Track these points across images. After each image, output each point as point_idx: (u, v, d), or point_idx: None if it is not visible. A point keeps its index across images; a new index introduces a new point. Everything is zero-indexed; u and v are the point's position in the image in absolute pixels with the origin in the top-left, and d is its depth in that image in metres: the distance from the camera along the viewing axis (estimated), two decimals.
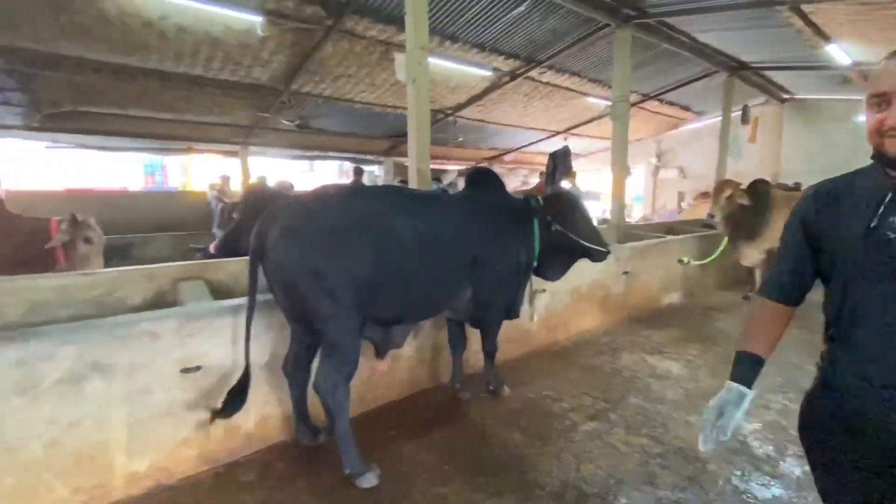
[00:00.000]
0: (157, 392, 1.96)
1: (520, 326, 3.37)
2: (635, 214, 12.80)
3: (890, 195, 0.91)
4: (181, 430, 2.04)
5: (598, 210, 11.04)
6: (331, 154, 11.27)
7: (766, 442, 2.40)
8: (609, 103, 5.78)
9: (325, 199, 2.09)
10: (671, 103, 9.58)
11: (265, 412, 2.29)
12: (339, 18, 4.89)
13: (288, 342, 2.24)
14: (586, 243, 2.68)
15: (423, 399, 2.85)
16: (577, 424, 2.57)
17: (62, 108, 6.57)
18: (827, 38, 5.23)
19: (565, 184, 2.91)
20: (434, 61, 5.50)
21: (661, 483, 2.08)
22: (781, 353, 3.19)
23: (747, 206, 4.49)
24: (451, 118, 8.71)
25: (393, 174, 11.19)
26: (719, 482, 2.09)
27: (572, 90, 7.91)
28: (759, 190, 4.62)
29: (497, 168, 12.58)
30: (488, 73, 6.80)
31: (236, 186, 8.95)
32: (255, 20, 4.63)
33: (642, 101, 9.00)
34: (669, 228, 6.48)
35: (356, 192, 2.42)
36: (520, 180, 14.20)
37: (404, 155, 9.60)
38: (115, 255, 5.12)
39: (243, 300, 2.14)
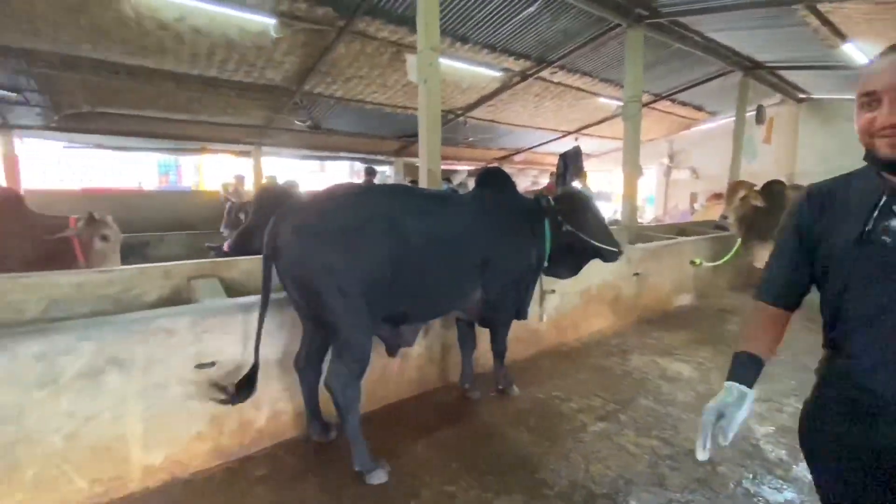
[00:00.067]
0: (173, 387, 2.00)
1: (529, 327, 3.37)
2: (647, 215, 12.68)
3: (884, 198, 0.88)
4: (195, 424, 2.08)
5: (609, 211, 10.96)
6: (342, 154, 11.36)
7: (778, 445, 2.37)
8: (621, 103, 5.75)
9: (338, 197, 2.12)
10: (684, 103, 9.47)
11: (277, 408, 2.33)
12: (351, 20, 4.92)
13: (300, 339, 2.27)
14: (598, 243, 2.67)
15: (432, 398, 2.87)
16: (586, 425, 2.57)
17: (80, 109, 6.72)
18: (843, 38, 5.14)
19: (576, 184, 2.91)
20: (445, 62, 5.52)
21: (670, 485, 2.07)
22: (794, 356, 3.14)
23: (761, 208, 4.43)
24: (461, 118, 8.72)
25: (403, 174, 11.24)
26: (730, 485, 2.07)
27: (583, 90, 7.86)
28: (773, 191, 4.56)
29: (507, 168, 12.55)
30: (499, 74, 6.80)
31: (249, 186, 9.05)
32: (269, 22, 4.69)
33: (654, 102, 8.92)
34: (681, 230, 6.42)
35: (368, 190, 2.44)
36: (530, 180, 14.16)
37: (414, 155, 9.63)
38: (131, 253, 5.23)
39: (257, 298, 2.17)
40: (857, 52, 5.45)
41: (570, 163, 2.81)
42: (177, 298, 2.77)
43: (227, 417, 2.14)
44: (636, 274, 4.35)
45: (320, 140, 9.69)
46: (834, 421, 0.97)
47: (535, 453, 2.30)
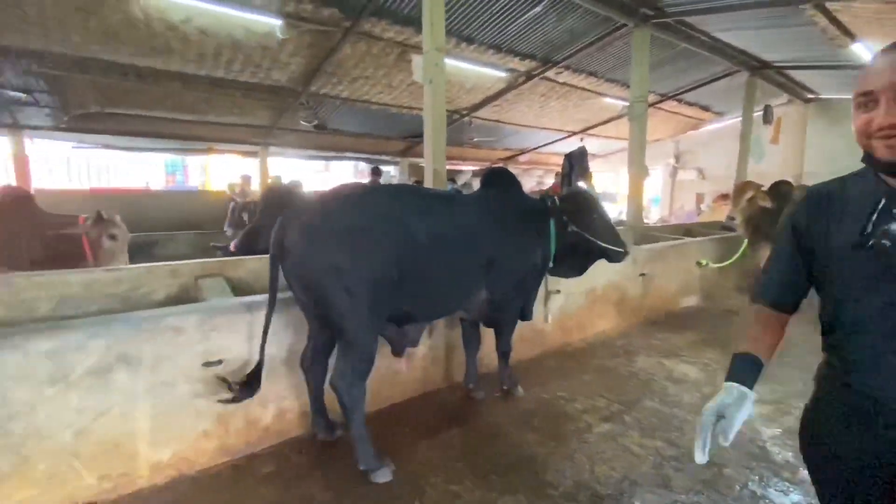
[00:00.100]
0: (181, 384, 2.02)
1: (534, 327, 3.37)
2: (652, 216, 12.63)
3: (883, 201, 0.86)
4: (202, 422, 2.10)
5: (614, 211, 10.93)
6: (347, 154, 11.39)
7: (785, 448, 2.35)
8: (626, 103, 5.72)
9: (345, 198, 2.12)
10: (690, 103, 9.43)
11: (283, 406, 2.34)
12: (357, 20, 4.94)
13: (305, 338, 2.28)
14: (603, 244, 2.67)
15: (436, 398, 2.88)
16: (591, 426, 2.56)
17: (89, 110, 6.79)
18: (852, 37, 5.09)
19: (581, 185, 2.90)
20: (450, 62, 5.52)
21: (676, 486, 2.06)
22: (802, 357, 3.11)
23: (769, 209, 4.40)
24: (466, 119, 8.73)
25: (408, 175, 11.27)
26: (736, 487, 2.06)
27: (589, 90, 7.85)
28: (781, 191, 4.53)
29: (512, 168, 12.54)
30: (504, 74, 6.80)
31: (256, 186, 9.10)
32: (275, 23, 4.71)
33: (660, 102, 8.88)
34: (688, 230, 6.39)
35: (375, 191, 2.45)
36: (535, 181, 14.13)
37: (419, 156, 9.63)
38: (138, 252, 5.27)
39: (263, 297, 2.19)
40: (867, 51, 5.39)
41: (576, 163, 2.81)
42: (184, 297, 2.80)
43: (233, 415, 2.16)
44: (642, 274, 4.34)
45: (326, 140, 9.72)
46: (832, 426, 0.96)
47: (540, 453, 2.30)
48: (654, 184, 12.72)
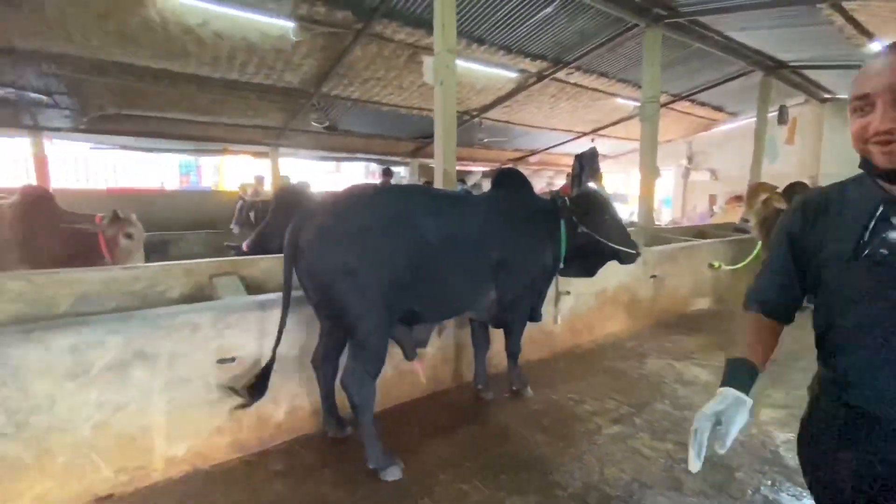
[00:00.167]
0: (195, 381, 2.06)
1: (543, 328, 3.37)
2: (664, 217, 12.51)
3: (881, 208, 0.83)
4: (216, 418, 2.13)
5: (625, 213, 10.85)
6: (358, 155, 11.47)
7: None
8: (638, 104, 5.69)
9: (359, 198, 2.13)
10: (703, 104, 9.33)
11: (295, 404, 2.37)
12: (369, 22, 4.99)
13: (317, 337, 2.31)
14: (614, 245, 2.65)
15: (445, 397, 2.89)
16: (600, 427, 2.55)
17: (106, 111, 6.94)
18: (870, 36, 5.01)
19: (592, 186, 2.90)
20: (461, 64, 5.54)
21: (686, 489, 2.05)
22: (813, 362, 3.07)
23: (784, 210, 4.33)
24: (476, 120, 8.74)
25: (418, 175, 11.31)
26: (748, 491, 2.04)
27: (600, 91, 7.81)
28: (796, 193, 4.46)
29: (522, 169, 12.51)
30: (515, 75, 6.80)
31: (268, 187, 9.21)
32: (288, 26, 4.78)
33: (673, 102, 8.81)
34: (700, 232, 6.32)
35: (388, 191, 2.46)
36: (545, 182, 14.09)
37: (430, 156, 9.66)
38: (153, 251, 5.36)
39: (275, 295, 2.23)
40: None
41: (586, 164, 2.81)
42: (199, 295, 2.85)
43: (246, 412, 2.19)
44: (653, 276, 4.31)
45: (337, 141, 9.81)
46: (827, 439, 0.94)
47: (549, 454, 2.30)
48: (666, 185, 12.60)
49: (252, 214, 6.19)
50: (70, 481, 1.83)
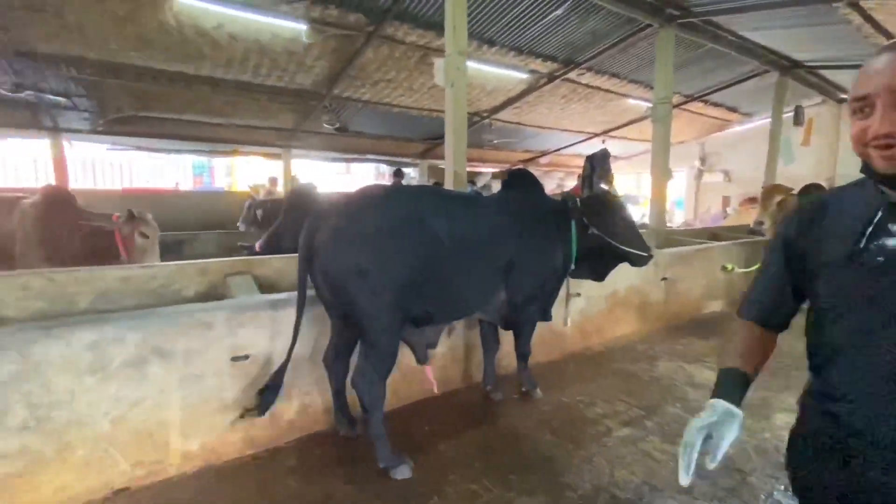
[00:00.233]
0: (209, 378, 2.10)
1: (553, 330, 3.36)
2: (676, 219, 12.39)
3: (880, 214, 0.78)
4: (229, 414, 2.17)
5: (637, 215, 10.76)
6: (368, 156, 11.54)
7: None
8: (650, 105, 5.65)
9: (372, 199, 2.15)
10: (717, 104, 9.22)
11: (306, 402, 2.40)
12: (380, 24, 5.02)
13: (329, 335, 2.33)
14: (625, 247, 2.64)
15: (455, 398, 2.90)
16: (610, 430, 2.54)
17: (123, 113, 7.08)
18: (889, 35, 4.91)
19: (603, 187, 2.89)
20: (472, 65, 5.55)
21: (698, 493, 2.03)
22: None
23: None
24: (486, 121, 8.74)
25: (427, 176, 11.35)
26: (761, 496, 2.02)
27: (612, 92, 7.77)
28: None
29: (532, 170, 12.47)
30: (525, 76, 6.79)
31: (281, 188, 9.32)
32: (301, 28, 4.83)
33: (686, 103, 8.71)
34: (713, 234, 6.26)
35: (401, 192, 2.48)
36: (555, 183, 14.04)
37: (439, 157, 9.68)
38: (167, 250, 5.46)
39: (287, 295, 2.26)
40: None
41: (598, 165, 2.79)
42: (213, 294, 2.90)
43: (250, 411, 2.21)
44: (664, 278, 4.27)
45: (347, 142, 9.88)
46: (813, 454, 0.90)
47: (559, 456, 2.29)
48: (678, 186, 12.48)
49: (259, 213, 6.28)
50: (89, 474, 1.87)
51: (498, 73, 6.50)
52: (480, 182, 11.06)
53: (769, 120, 7.63)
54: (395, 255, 1.99)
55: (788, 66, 6.96)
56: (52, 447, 1.79)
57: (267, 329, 2.23)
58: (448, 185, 3.52)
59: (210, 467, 2.13)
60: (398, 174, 8.16)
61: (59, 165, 8.00)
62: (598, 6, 4.91)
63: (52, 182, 7.79)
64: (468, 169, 3.89)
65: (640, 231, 2.85)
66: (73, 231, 3.49)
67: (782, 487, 2.08)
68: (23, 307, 2.48)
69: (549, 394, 2.92)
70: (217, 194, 11.44)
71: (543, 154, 12.54)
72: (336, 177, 15.76)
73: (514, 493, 2.01)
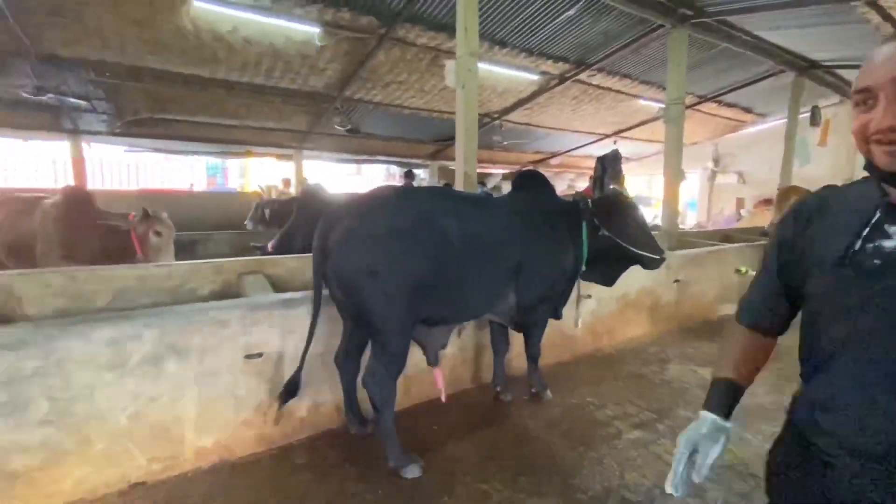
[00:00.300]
0: (224, 375, 2.13)
1: (564, 332, 3.35)
2: (689, 221, 12.25)
3: (878, 214, 0.75)
4: (242, 411, 2.20)
5: (649, 216, 10.66)
6: (379, 158, 11.62)
7: None
8: (662, 106, 5.61)
9: (385, 200, 2.15)
10: (731, 105, 9.11)
11: (318, 400, 2.43)
12: (392, 27, 5.06)
13: (341, 334, 2.36)
14: (637, 250, 2.62)
15: (465, 398, 2.90)
16: (621, 432, 2.53)
17: (140, 116, 7.22)
18: None
19: (614, 188, 2.88)
20: (482, 66, 5.56)
21: (710, 498, 2.01)
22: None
23: None
24: (497, 122, 8.75)
25: (437, 177, 11.38)
26: None
27: (623, 93, 7.73)
28: None
29: (543, 171, 12.44)
30: (536, 77, 6.79)
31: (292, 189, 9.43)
32: (314, 31, 4.90)
33: (699, 103, 8.63)
34: (726, 236, 6.18)
35: (413, 193, 2.49)
36: (566, 184, 13.98)
37: (449, 158, 9.70)
38: (181, 250, 5.55)
39: (300, 294, 2.29)
40: None
41: (609, 166, 2.79)
42: (227, 293, 2.94)
43: (271, 407, 2.26)
44: (676, 281, 4.23)
45: (359, 144, 9.96)
46: (791, 460, 0.87)
47: (569, 457, 2.29)
48: (691, 188, 12.34)
49: (266, 212, 6.37)
50: (107, 468, 1.92)
51: (509, 75, 6.50)
52: (490, 183, 11.07)
53: (784, 120, 7.52)
54: (407, 256, 2.00)
55: (805, 66, 6.85)
56: (72, 440, 1.84)
57: (279, 328, 2.26)
58: (458, 186, 3.54)
59: (224, 463, 2.17)
60: (409, 175, 8.20)
61: (78, 166, 8.19)
62: (611, 7, 4.90)
63: (72, 182, 7.98)
64: (479, 170, 3.91)
65: (653, 233, 2.83)
66: (92, 230, 3.57)
67: None
68: (44, 304, 2.54)
69: (559, 395, 2.91)
70: (230, 195, 11.60)
71: (554, 155, 12.51)
72: (347, 178, 15.88)
73: (525, 495, 2.01)
